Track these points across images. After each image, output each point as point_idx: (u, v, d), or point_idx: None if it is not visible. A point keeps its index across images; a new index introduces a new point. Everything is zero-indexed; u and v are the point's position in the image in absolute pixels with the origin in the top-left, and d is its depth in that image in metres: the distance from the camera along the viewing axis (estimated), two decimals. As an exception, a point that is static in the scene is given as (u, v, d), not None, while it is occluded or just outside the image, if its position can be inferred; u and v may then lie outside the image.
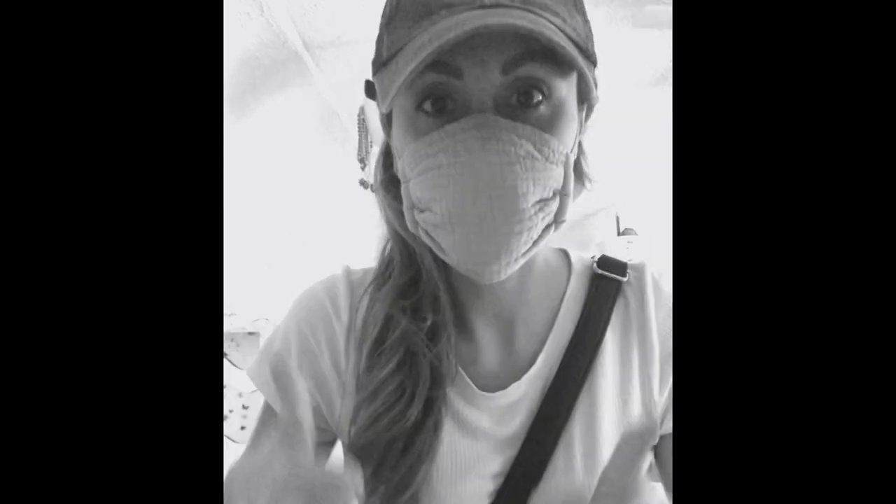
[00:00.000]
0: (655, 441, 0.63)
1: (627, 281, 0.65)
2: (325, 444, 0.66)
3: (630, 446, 0.62)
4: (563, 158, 0.51)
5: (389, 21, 0.54)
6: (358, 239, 3.72)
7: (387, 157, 0.62)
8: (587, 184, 0.61)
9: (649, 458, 0.65)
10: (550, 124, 0.50)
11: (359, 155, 2.02)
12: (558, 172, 0.51)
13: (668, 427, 0.62)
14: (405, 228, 0.57)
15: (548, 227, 0.53)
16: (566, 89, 0.51)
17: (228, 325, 2.14)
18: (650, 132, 2.94)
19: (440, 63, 0.48)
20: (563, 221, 0.53)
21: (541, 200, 0.50)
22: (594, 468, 0.59)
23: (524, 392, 0.60)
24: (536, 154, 0.49)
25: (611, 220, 3.82)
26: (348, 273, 0.68)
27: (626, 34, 2.19)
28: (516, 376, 0.61)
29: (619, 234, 3.70)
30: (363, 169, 2.04)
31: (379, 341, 0.60)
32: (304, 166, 2.81)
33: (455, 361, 0.60)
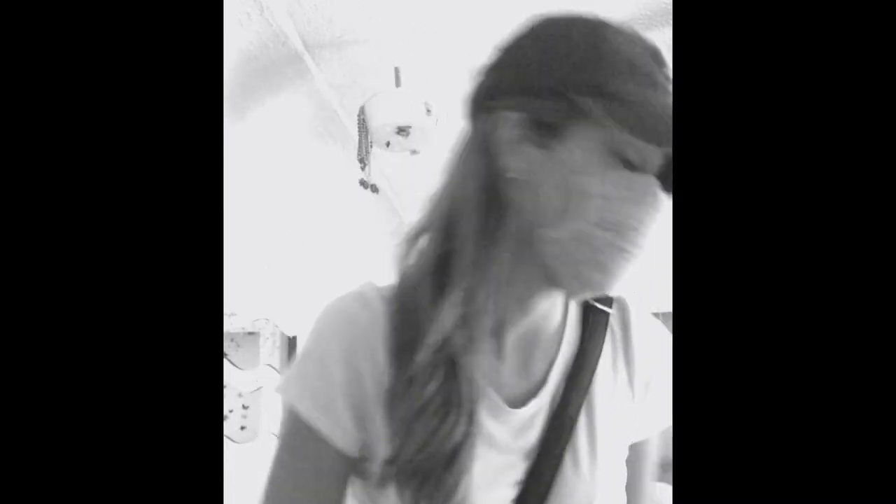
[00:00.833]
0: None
1: (613, 313, 0.72)
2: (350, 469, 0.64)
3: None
4: None
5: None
6: (358, 239, 3.71)
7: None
8: None
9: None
10: None
11: (359, 155, 2.02)
12: None
13: (645, 433, 0.74)
14: (492, 241, 0.60)
15: None
16: None
17: (228, 325, 2.14)
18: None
19: None
20: None
21: None
22: (596, 472, 0.66)
23: (539, 407, 0.66)
24: None
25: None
26: (377, 287, 0.66)
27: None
28: (533, 393, 0.66)
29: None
30: (363, 169, 2.04)
31: (420, 353, 0.58)
32: (303, 166, 2.82)
33: (487, 376, 0.62)
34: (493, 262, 0.60)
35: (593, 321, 0.70)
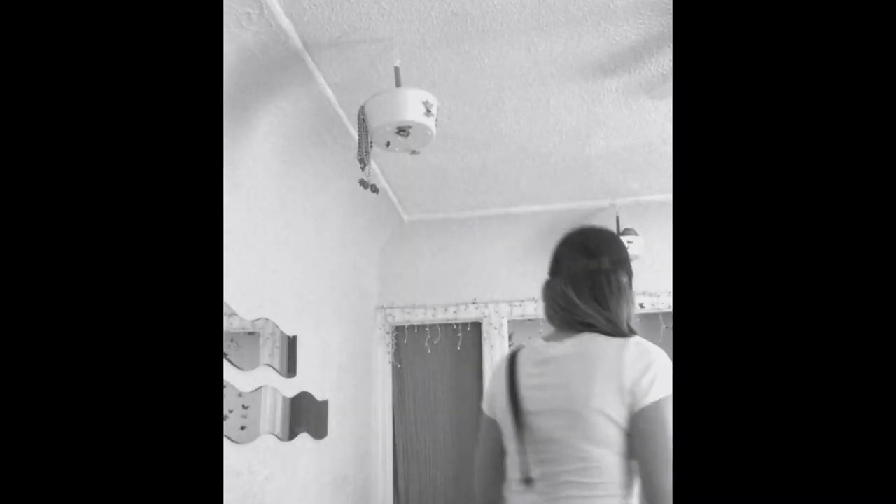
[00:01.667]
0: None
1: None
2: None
3: None
4: None
5: None
6: (358, 239, 3.71)
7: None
8: None
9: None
10: None
11: (359, 155, 2.02)
12: None
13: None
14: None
15: None
16: None
17: (228, 325, 2.14)
18: (651, 132, 2.94)
19: None
20: None
21: None
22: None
23: None
24: None
25: (611, 220, 3.82)
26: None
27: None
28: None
29: (619, 234, 3.70)
30: (363, 169, 2.04)
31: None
32: (303, 166, 2.82)
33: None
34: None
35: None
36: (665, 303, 3.82)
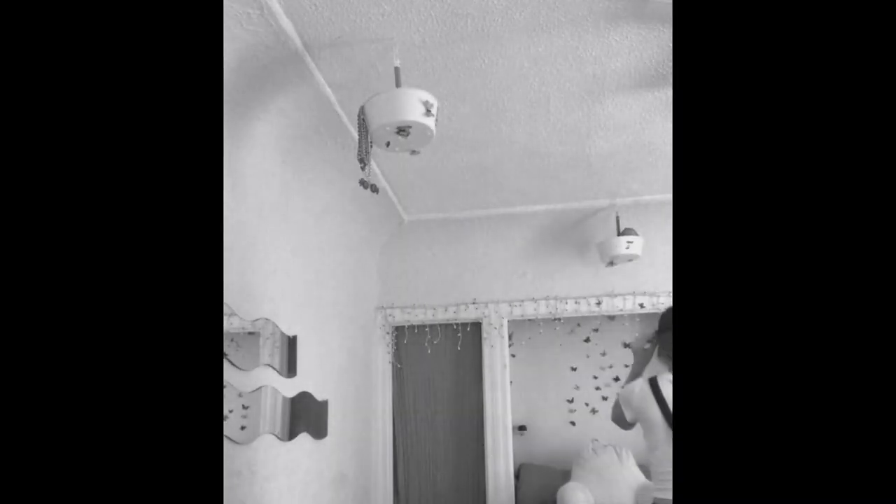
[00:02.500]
0: None
1: None
2: None
3: None
4: None
5: None
6: (357, 239, 3.70)
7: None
8: None
9: None
10: None
11: (359, 155, 2.02)
12: None
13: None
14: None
15: None
16: None
17: (228, 325, 2.14)
18: (651, 132, 2.94)
19: None
20: None
21: None
22: None
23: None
24: None
25: (611, 220, 3.82)
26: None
27: (628, 30, 2.19)
28: None
29: (619, 234, 3.70)
30: (363, 169, 2.04)
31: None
32: (303, 166, 2.82)
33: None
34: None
35: None
36: (665, 303, 3.82)
